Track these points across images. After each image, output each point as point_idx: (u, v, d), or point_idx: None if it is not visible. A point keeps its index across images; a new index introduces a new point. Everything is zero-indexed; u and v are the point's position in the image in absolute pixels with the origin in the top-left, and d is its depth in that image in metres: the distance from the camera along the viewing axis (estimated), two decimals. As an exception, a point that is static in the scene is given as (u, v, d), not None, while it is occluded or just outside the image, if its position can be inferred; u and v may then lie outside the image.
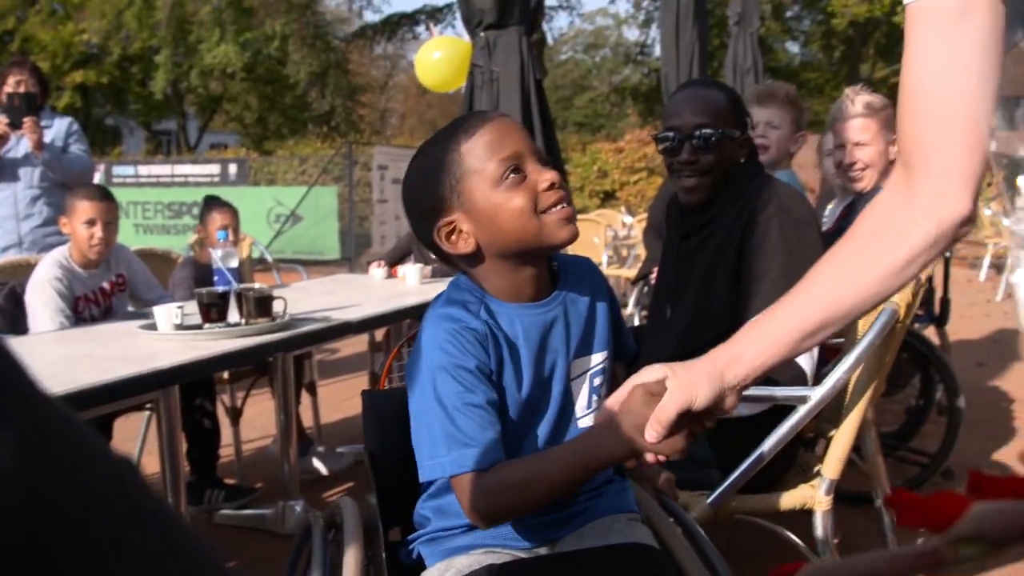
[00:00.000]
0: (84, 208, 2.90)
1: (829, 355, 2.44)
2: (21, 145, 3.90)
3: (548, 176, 1.26)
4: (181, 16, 25.07)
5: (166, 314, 2.32)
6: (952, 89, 0.98)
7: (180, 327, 2.33)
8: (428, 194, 1.31)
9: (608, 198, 19.55)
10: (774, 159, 3.08)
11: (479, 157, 1.26)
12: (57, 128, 3.99)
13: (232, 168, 18.21)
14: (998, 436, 4.01)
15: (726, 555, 1.40)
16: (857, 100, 2.85)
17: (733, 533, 2.42)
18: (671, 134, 2.11)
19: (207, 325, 2.37)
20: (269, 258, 5.80)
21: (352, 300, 3.02)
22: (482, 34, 4.73)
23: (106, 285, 3.01)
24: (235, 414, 3.43)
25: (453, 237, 1.30)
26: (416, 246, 4.03)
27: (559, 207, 1.27)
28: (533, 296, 1.34)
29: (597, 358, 1.40)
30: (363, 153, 16.82)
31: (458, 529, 1.37)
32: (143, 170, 18.65)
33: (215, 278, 2.57)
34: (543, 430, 1.35)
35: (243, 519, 3.11)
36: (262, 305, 2.41)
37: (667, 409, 1.10)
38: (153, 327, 2.35)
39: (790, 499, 1.97)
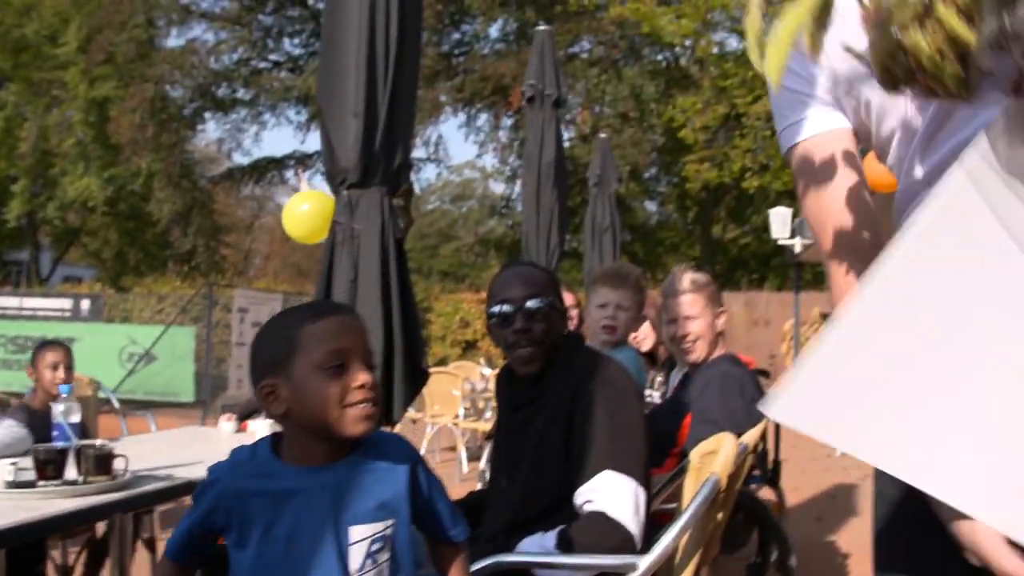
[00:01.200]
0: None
1: (661, 519, 2.57)
2: None
3: (363, 378, 1.44)
4: (44, 148, 24.68)
5: (-1, 470, 2.28)
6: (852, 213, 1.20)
7: (13, 484, 2.28)
8: (265, 354, 1.49)
9: (469, 347, 19.76)
10: (619, 339, 3.29)
11: (315, 340, 1.43)
12: None
13: (85, 303, 17.67)
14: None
15: None
16: (684, 277, 3.09)
17: None
18: (505, 306, 2.27)
19: (42, 483, 2.33)
20: (115, 401, 5.63)
21: (199, 455, 3.00)
22: (345, 192, 4.88)
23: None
24: (65, 574, 3.30)
25: (271, 397, 1.46)
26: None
27: (363, 405, 1.44)
28: (324, 462, 1.47)
29: (378, 527, 1.48)
30: (224, 295, 16.62)
31: None
32: (-12, 302, 17.94)
33: (54, 432, 2.53)
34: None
35: None
36: (102, 463, 2.39)
37: None
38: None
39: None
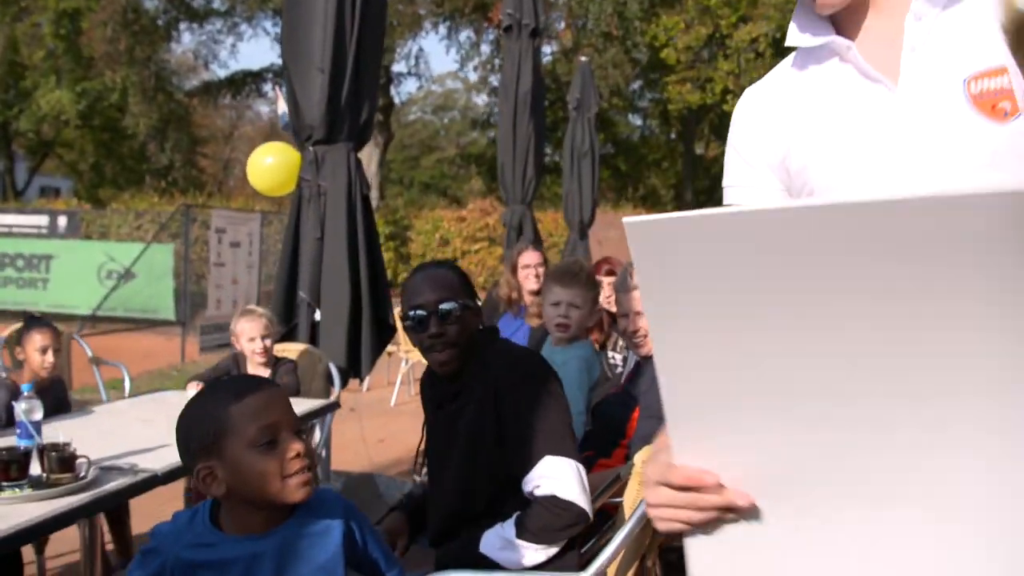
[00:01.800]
0: None
1: (610, 509, 2.70)
2: None
3: (296, 447, 1.52)
4: (14, 59, 24.17)
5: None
6: None
7: (-23, 488, 2.35)
8: (195, 439, 1.53)
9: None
10: (572, 335, 3.36)
11: (244, 420, 1.49)
12: None
13: (62, 220, 17.53)
14: None
15: None
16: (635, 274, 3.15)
17: None
18: (419, 311, 2.34)
19: (6, 484, 2.40)
20: (88, 351, 5.68)
21: (166, 434, 3.08)
22: (311, 148, 4.88)
23: None
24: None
25: (209, 479, 1.52)
26: (236, 366, 4.10)
27: (300, 474, 1.52)
28: (264, 530, 1.56)
29: None
30: (202, 213, 16.53)
31: None
32: (-37, 218, 17.80)
33: (17, 431, 2.59)
34: None
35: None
36: (65, 463, 2.46)
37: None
38: (-51, 485, 2.36)
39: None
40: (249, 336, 4.03)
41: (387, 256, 18.62)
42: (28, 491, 2.39)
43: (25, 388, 2.70)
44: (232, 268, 13.44)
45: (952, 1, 1.17)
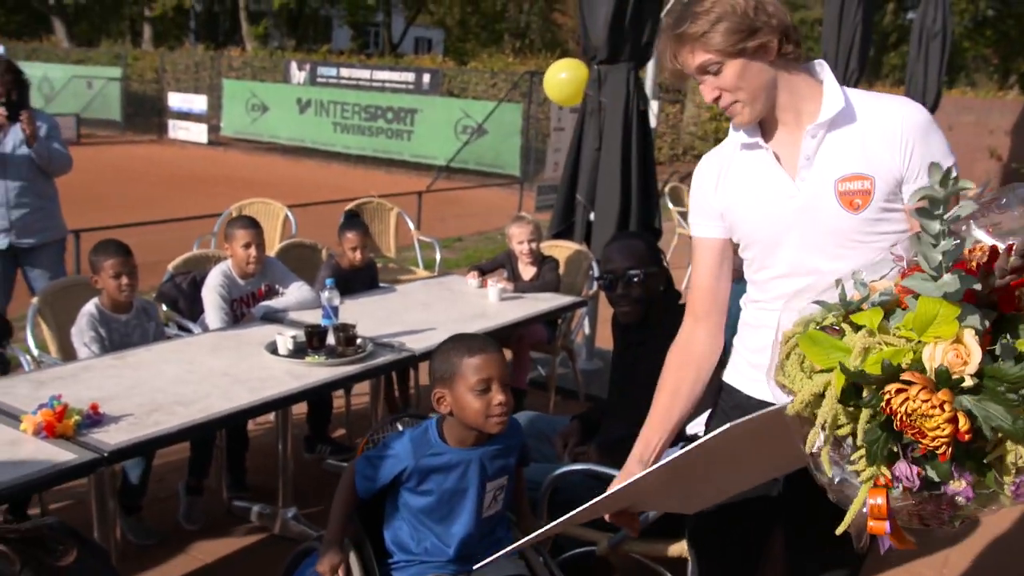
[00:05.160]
0: (241, 235, 3.93)
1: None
2: (8, 140, 4.45)
3: (499, 398, 2.23)
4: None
5: (283, 341, 3.33)
6: (716, 282, 2.01)
7: (291, 353, 3.33)
8: (437, 371, 2.30)
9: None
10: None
11: (470, 370, 2.23)
12: (42, 125, 4.54)
13: (426, 77, 19.15)
14: None
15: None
16: None
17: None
18: (611, 275, 2.97)
19: (311, 351, 3.36)
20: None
21: (436, 319, 3.97)
22: (596, 67, 5.44)
23: (256, 292, 4.06)
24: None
25: (442, 402, 2.28)
26: (509, 262, 4.91)
27: (499, 416, 2.24)
28: (473, 445, 2.32)
29: (501, 481, 2.38)
30: (551, 73, 17.25)
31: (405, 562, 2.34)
32: (344, 72, 19.94)
33: (322, 313, 3.57)
34: (463, 513, 2.33)
35: (343, 469, 4.17)
36: (350, 340, 3.38)
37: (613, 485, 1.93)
38: (274, 349, 3.36)
39: (674, 548, 2.77)
40: (518, 240, 4.80)
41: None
42: (323, 358, 3.33)
43: (328, 282, 3.65)
44: (569, 133, 14.19)
45: (836, 125, 1.80)
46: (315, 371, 3.25)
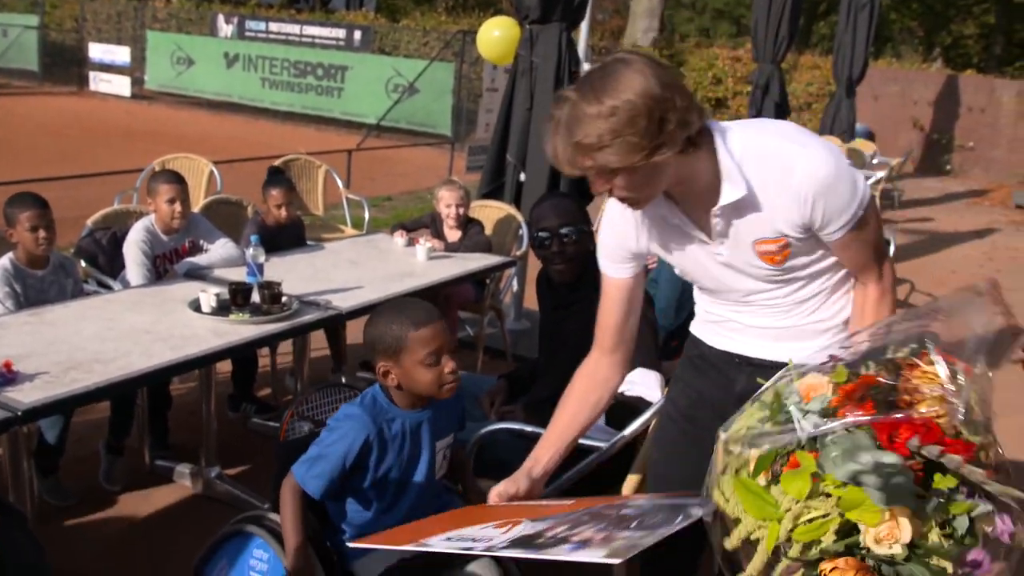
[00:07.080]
0: (166, 190, 3.83)
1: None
2: None
3: (450, 366, 2.21)
4: None
5: (206, 298, 3.27)
6: (625, 318, 2.06)
7: (215, 311, 3.27)
8: (379, 345, 2.23)
9: (719, 105, 19.76)
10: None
11: (418, 344, 2.17)
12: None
13: (357, 34, 18.87)
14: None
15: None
16: None
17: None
18: (545, 233, 2.95)
19: (235, 308, 3.30)
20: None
21: (364, 277, 3.93)
22: (528, 26, 5.41)
23: (180, 248, 3.97)
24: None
25: (388, 376, 2.23)
26: (434, 224, 4.89)
27: (450, 384, 2.22)
28: (423, 407, 2.31)
29: (448, 439, 2.40)
30: (481, 36, 17.10)
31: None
32: (274, 27, 19.53)
33: (247, 270, 3.51)
34: (419, 476, 2.33)
35: (268, 428, 4.14)
36: (275, 298, 3.33)
37: (498, 489, 2.00)
38: (197, 306, 3.29)
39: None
40: (446, 203, 4.78)
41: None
42: (248, 315, 3.28)
43: (253, 239, 3.59)
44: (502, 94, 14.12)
45: (739, 209, 1.78)
46: (239, 329, 3.20)
